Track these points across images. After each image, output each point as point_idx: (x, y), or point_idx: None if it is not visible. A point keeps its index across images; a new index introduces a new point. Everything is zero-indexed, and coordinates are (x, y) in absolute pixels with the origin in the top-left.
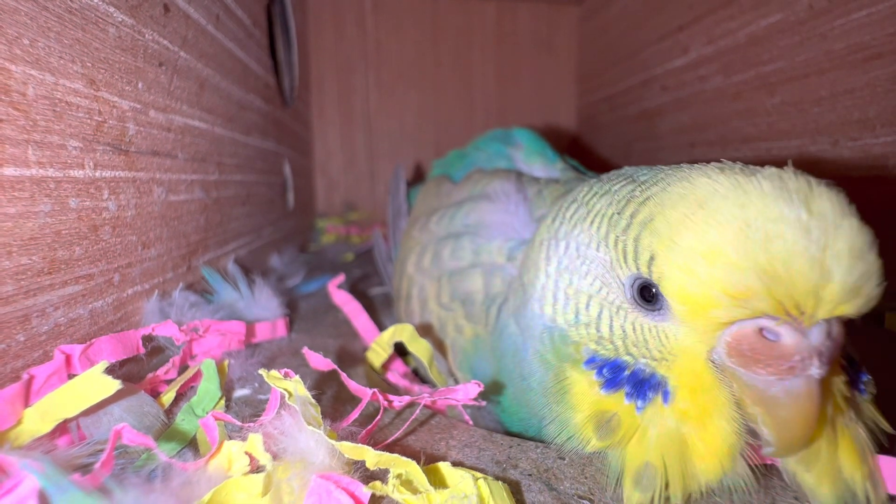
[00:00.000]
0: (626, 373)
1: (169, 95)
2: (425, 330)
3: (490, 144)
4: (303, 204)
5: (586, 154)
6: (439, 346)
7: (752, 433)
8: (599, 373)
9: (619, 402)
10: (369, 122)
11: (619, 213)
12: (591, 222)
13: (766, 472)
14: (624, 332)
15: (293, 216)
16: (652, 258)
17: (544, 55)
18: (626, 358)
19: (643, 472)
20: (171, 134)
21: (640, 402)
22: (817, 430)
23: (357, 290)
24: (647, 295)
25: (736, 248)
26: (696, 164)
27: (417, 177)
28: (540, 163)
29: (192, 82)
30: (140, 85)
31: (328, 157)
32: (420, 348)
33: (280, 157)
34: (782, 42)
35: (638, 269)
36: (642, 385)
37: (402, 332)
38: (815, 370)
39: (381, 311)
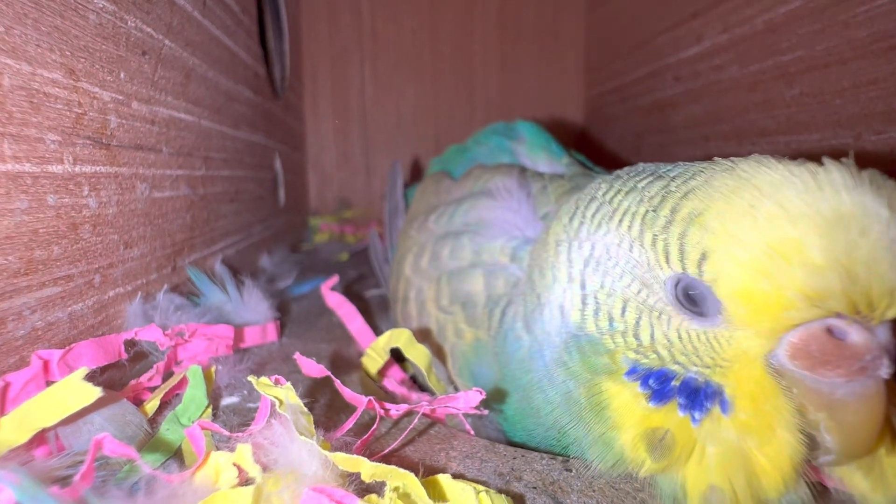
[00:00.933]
0: (676, 383)
1: (153, 86)
2: (423, 335)
3: (491, 139)
4: (294, 201)
5: (594, 148)
6: (438, 352)
7: (808, 445)
8: (645, 383)
9: (671, 416)
10: (365, 114)
11: (654, 211)
12: (620, 221)
13: (821, 489)
14: (668, 339)
15: (284, 214)
16: (703, 256)
17: (550, 44)
18: (674, 367)
19: (710, 497)
20: (155, 127)
21: (697, 414)
22: (879, 435)
23: (352, 291)
24: (693, 296)
25: (818, 246)
26: (726, 159)
27: (415, 174)
28: (545, 157)
29: (178, 72)
30: (122, 75)
31: (321, 151)
32: (417, 354)
33: (270, 151)
34: (802, 30)
35: (684, 268)
36: (697, 394)
37: (398, 337)
38: (885, 370)
39: (377, 314)
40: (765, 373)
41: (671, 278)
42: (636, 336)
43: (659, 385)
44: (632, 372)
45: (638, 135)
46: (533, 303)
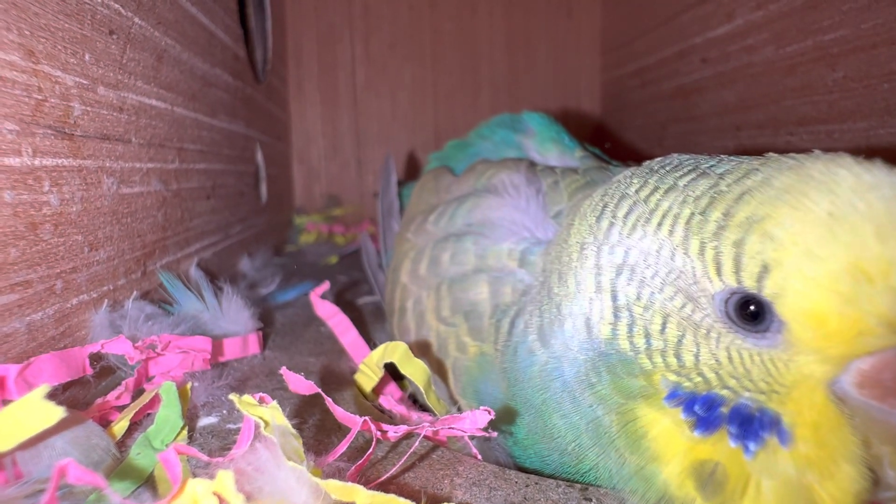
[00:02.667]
0: (724, 409)
1: (121, 69)
2: (422, 349)
3: (496, 131)
4: (278, 197)
5: (611, 138)
6: (439, 368)
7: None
8: (689, 410)
9: (720, 447)
10: (355, 101)
11: (702, 214)
12: (660, 225)
13: None
14: (717, 360)
15: (266, 212)
16: (765, 269)
17: (562, 21)
18: (723, 392)
19: None
20: (124, 115)
21: (751, 445)
22: None
23: (343, 299)
24: (749, 313)
25: None
26: (784, 154)
27: (411, 168)
28: (555, 151)
29: (149, 54)
30: (87, 57)
31: (307, 142)
32: (415, 370)
33: (251, 141)
34: (846, 6)
35: (739, 281)
36: (751, 423)
37: (393, 351)
38: None
39: (371, 324)
40: (828, 401)
41: (722, 292)
42: (678, 356)
43: (705, 412)
44: (672, 396)
45: (660, 124)
46: (551, 313)
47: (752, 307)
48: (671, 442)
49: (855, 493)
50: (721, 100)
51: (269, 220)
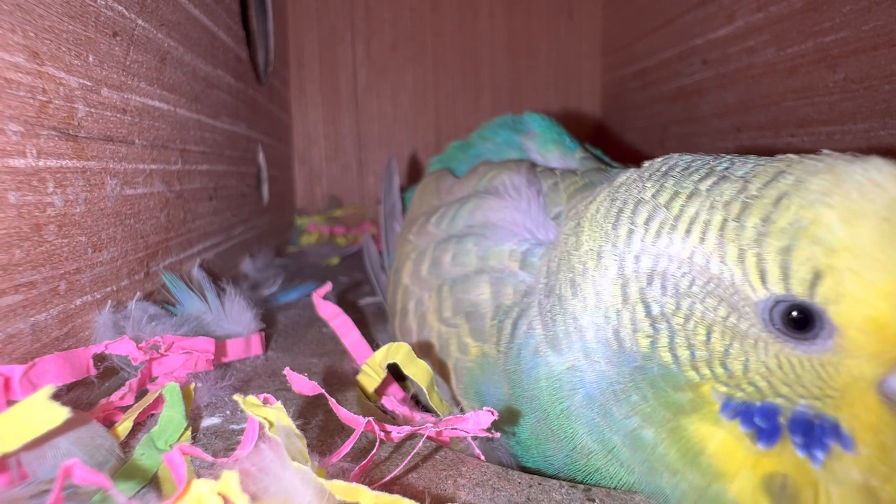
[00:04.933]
0: (783, 419)
1: (124, 71)
2: (424, 350)
3: (498, 133)
4: (280, 199)
5: (612, 140)
6: (441, 369)
7: None
8: (748, 421)
9: (786, 458)
10: (357, 102)
11: (736, 220)
12: (688, 232)
13: None
14: (767, 368)
15: (268, 213)
16: (817, 275)
17: (563, 23)
18: (778, 400)
19: None
20: (127, 116)
21: (819, 454)
22: None
23: (346, 300)
24: (797, 321)
25: None
26: (805, 155)
27: (413, 170)
28: (556, 152)
29: (152, 55)
30: (91, 58)
31: (309, 143)
32: (418, 371)
33: (253, 143)
34: (846, 7)
35: (788, 289)
36: (812, 431)
37: (396, 352)
38: None
39: (373, 325)
40: (878, 401)
41: (767, 300)
42: (725, 366)
43: (766, 423)
44: (727, 408)
45: (661, 125)
46: (566, 323)
47: (799, 315)
48: (734, 457)
49: None
50: (722, 101)
51: (270, 221)
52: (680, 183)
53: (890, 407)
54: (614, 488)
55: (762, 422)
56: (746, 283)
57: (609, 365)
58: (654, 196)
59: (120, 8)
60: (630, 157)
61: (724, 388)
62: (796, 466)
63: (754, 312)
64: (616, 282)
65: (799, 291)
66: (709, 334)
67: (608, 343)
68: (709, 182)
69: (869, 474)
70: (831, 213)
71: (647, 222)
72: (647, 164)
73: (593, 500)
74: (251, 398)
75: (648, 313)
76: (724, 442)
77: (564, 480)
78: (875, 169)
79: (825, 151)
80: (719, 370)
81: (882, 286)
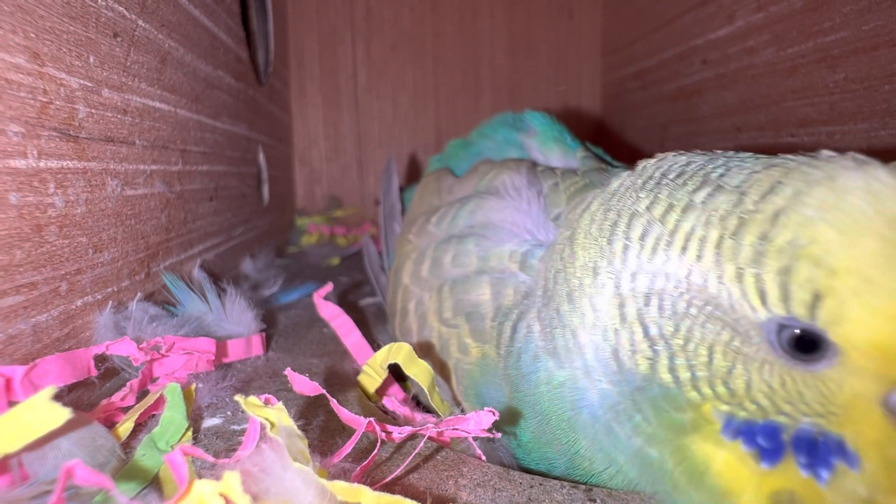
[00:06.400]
0: (786, 437)
1: (125, 71)
2: (425, 350)
3: (498, 131)
4: (280, 199)
5: (612, 139)
6: (441, 370)
7: None
8: (750, 441)
9: (790, 477)
10: (357, 102)
11: (733, 237)
12: (684, 249)
13: None
14: (770, 386)
15: (269, 213)
16: (817, 297)
17: (563, 23)
18: (780, 419)
19: None
20: (128, 117)
21: (823, 473)
22: None
23: (346, 300)
24: (803, 344)
25: None
26: (799, 156)
27: (413, 171)
28: (558, 151)
29: (152, 56)
30: (91, 59)
31: (309, 144)
32: (419, 371)
33: (254, 143)
34: (846, 7)
35: (789, 311)
36: (816, 449)
37: (397, 352)
38: None
39: (374, 325)
40: (881, 416)
41: (770, 322)
42: (727, 385)
43: (769, 442)
44: (728, 427)
45: (661, 125)
46: (566, 339)
47: (807, 337)
48: (738, 476)
49: None
50: (722, 101)
51: (271, 221)
52: (674, 194)
53: (894, 422)
54: (615, 489)
55: (765, 441)
56: (746, 303)
57: (610, 384)
58: (648, 209)
59: (120, 9)
60: (630, 157)
61: (725, 408)
62: (802, 485)
63: (758, 334)
64: (613, 301)
65: (800, 313)
66: (710, 355)
67: (607, 363)
68: (703, 193)
69: (874, 490)
70: (830, 231)
71: (643, 238)
72: (640, 165)
73: (594, 501)
74: (252, 399)
75: (647, 334)
76: (728, 462)
77: (566, 481)
78: (875, 179)
79: (824, 152)
80: (721, 389)
81: (884, 309)
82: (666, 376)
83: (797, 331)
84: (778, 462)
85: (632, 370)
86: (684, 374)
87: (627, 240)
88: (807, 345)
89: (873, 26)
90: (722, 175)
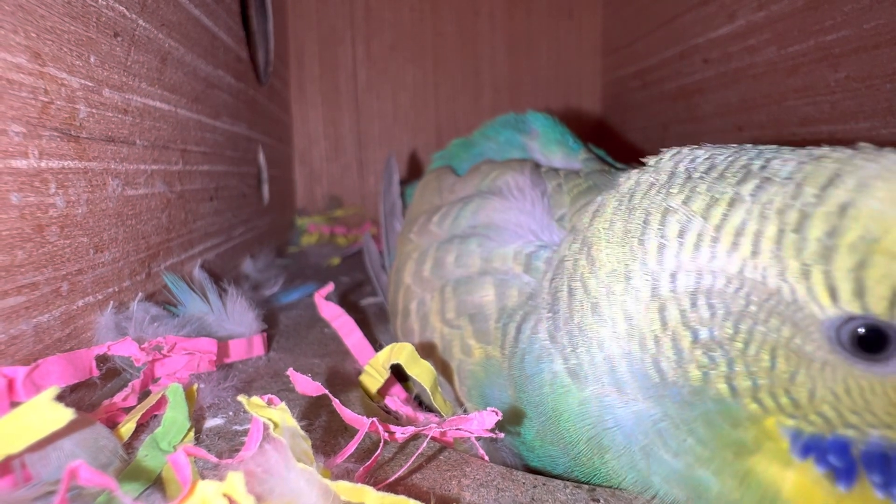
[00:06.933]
0: (855, 452)
1: (126, 71)
2: (427, 351)
3: (501, 132)
4: (280, 199)
5: (613, 139)
6: (444, 370)
7: None
8: (823, 460)
9: (867, 499)
10: (357, 102)
11: (796, 232)
12: (735, 244)
13: None
14: (835, 394)
15: (269, 213)
16: None
17: (564, 22)
18: (848, 432)
19: None
20: (129, 117)
21: None
22: None
23: (347, 300)
24: (871, 341)
25: None
26: (848, 148)
27: (414, 170)
28: (560, 152)
29: (153, 56)
30: (92, 59)
31: (309, 143)
32: (421, 371)
33: (254, 143)
34: (847, 6)
35: (864, 307)
36: (890, 467)
37: (399, 352)
38: None
39: (375, 325)
40: None
41: (834, 319)
42: (789, 394)
43: (841, 460)
44: (797, 444)
45: (662, 125)
46: (590, 353)
47: (871, 334)
48: (814, 501)
49: None
50: (723, 100)
51: (271, 221)
52: (715, 187)
53: None
54: (619, 488)
55: (836, 460)
56: (812, 300)
57: (649, 401)
58: (685, 203)
59: (121, 8)
60: (631, 156)
61: (790, 422)
62: None
63: (819, 332)
64: (651, 305)
65: (878, 311)
66: (773, 359)
67: (646, 375)
68: (750, 185)
69: None
70: None
71: (681, 234)
72: (652, 162)
73: (598, 501)
74: (255, 399)
75: (696, 339)
76: (801, 485)
77: (569, 481)
78: None
79: (863, 145)
80: (784, 400)
81: None
82: (722, 386)
83: (862, 329)
84: (853, 483)
85: (678, 382)
86: (744, 384)
87: (663, 238)
88: (873, 342)
89: (874, 25)
90: (763, 166)
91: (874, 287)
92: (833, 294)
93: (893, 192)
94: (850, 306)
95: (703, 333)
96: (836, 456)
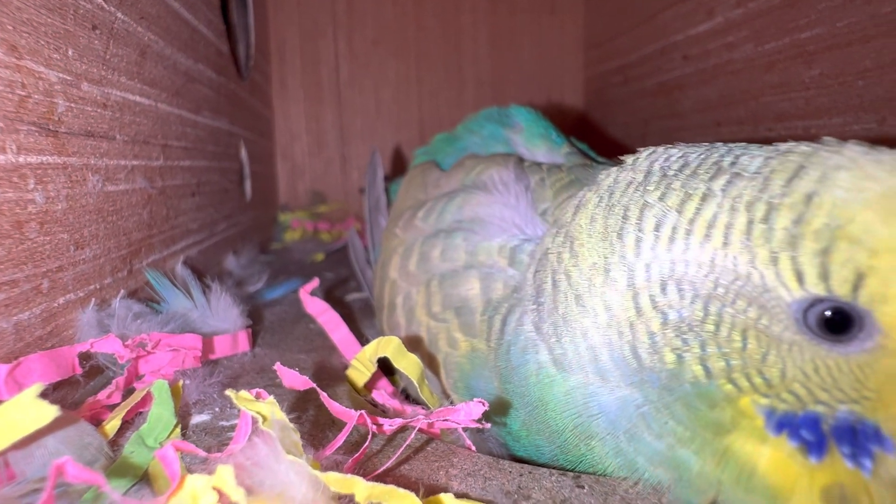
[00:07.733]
0: (825, 426)
1: (104, 65)
2: (413, 344)
3: (484, 126)
4: (262, 194)
5: (595, 134)
6: (430, 363)
7: None
8: (795, 435)
9: (837, 470)
10: (339, 97)
11: (764, 222)
12: (707, 236)
13: None
14: (804, 373)
15: (251, 209)
16: (860, 277)
17: (546, 18)
18: (818, 408)
19: None
20: (108, 111)
21: (867, 463)
22: None
23: (332, 296)
24: (835, 322)
25: None
26: (813, 143)
27: (397, 165)
28: (544, 147)
29: (132, 49)
30: (70, 52)
31: (291, 138)
32: (408, 365)
33: (235, 138)
34: (822, 4)
35: (829, 290)
36: (856, 437)
37: (386, 345)
38: None
39: (360, 320)
40: None
41: (800, 301)
42: (762, 374)
43: (812, 434)
44: (771, 421)
45: (643, 120)
46: (575, 344)
47: (836, 316)
48: (789, 473)
49: None
50: (702, 96)
51: (253, 217)
52: (689, 183)
53: None
54: (603, 475)
55: (808, 434)
56: (780, 284)
57: (631, 387)
58: (660, 199)
59: (98, 1)
60: (613, 151)
61: (765, 400)
62: (848, 477)
63: (786, 314)
64: (626, 294)
65: (841, 293)
66: (744, 340)
67: (626, 362)
68: (721, 181)
69: None
70: (866, 212)
71: (657, 228)
72: (630, 160)
73: (583, 487)
74: (244, 393)
75: (665, 321)
76: (775, 459)
77: (555, 468)
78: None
79: (828, 139)
80: (757, 380)
81: None
82: (697, 369)
83: (828, 306)
84: (824, 455)
85: (655, 367)
86: (718, 364)
87: (640, 232)
88: (838, 323)
89: (847, 23)
90: (733, 163)
91: (838, 270)
92: (800, 278)
93: (856, 181)
94: (816, 289)
95: (672, 315)
96: (807, 430)
